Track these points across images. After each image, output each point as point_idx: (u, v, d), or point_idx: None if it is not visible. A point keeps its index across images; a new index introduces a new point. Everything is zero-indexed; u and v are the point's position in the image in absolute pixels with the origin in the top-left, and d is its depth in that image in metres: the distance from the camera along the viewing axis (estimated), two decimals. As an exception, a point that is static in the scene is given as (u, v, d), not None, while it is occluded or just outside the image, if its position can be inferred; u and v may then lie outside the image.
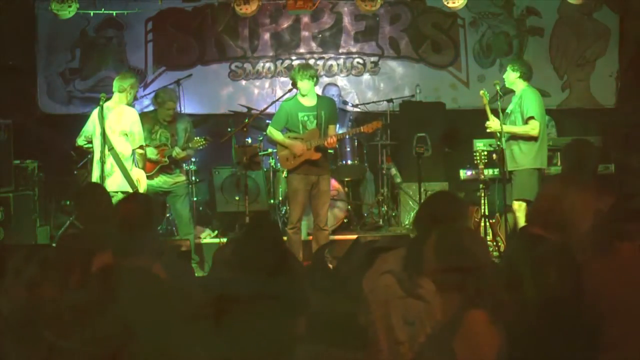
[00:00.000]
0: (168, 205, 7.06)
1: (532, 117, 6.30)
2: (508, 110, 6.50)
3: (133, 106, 6.44)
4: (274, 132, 6.52)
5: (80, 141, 6.18)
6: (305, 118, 6.44)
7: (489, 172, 6.90)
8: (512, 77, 6.49)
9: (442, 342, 2.59)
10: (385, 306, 3.01)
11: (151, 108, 6.99)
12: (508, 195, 6.47)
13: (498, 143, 6.39)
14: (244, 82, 8.89)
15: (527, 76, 6.50)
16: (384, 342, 2.98)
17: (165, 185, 6.64)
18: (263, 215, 7.13)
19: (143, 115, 6.78)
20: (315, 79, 6.44)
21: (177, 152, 6.57)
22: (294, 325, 3.02)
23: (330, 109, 6.52)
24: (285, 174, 6.79)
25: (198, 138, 6.70)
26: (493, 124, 6.35)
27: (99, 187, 4.99)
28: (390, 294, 3.01)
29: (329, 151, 6.71)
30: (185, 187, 6.85)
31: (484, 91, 6.43)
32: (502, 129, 6.28)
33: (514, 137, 6.38)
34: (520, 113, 6.36)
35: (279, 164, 7.51)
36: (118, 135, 6.00)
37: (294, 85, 6.43)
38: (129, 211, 3.28)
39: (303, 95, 6.43)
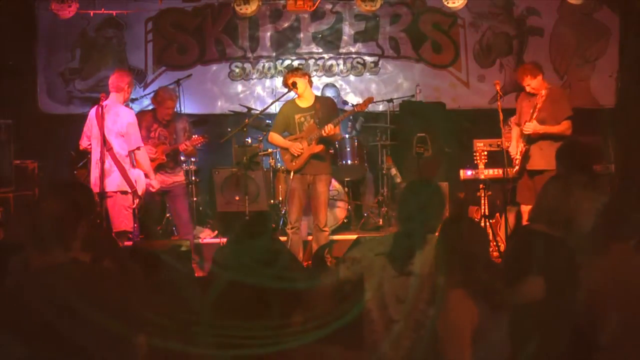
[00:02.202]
0: (168, 205, 7.07)
1: (569, 117, 6.27)
2: (537, 109, 6.41)
3: (130, 106, 6.45)
4: (274, 137, 6.52)
5: (84, 143, 6.18)
6: (302, 119, 6.44)
7: (489, 172, 6.90)
8: (538, 81, 6.37)
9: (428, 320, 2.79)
10: (379, 287, 3.10)
11: (151, 107, 6.98)
12: (518, 193, 6.46)
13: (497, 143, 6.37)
14: (244, 82, 8.89)
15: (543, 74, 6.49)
16: (379, 322, 3.08)
17: (163, 185, 6.62)
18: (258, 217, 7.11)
19: (142, 114, 6.78)
20: (307, 76, 6.44)
21: (185, 146, 6.55)
22: (288, 322, 3.01)
23: (329, 108, 6.49)
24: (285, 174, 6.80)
25: (196, 136, 6.69)
26: (533, 125, 6.26)
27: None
28: (385, 274, 3.11)
29: (330, 150, 6.70)
30: (183, 186, 6.83)
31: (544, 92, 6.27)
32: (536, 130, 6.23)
33: (543, 136, 6.32)
34: (551, 112, 6.31)
35: (279, 164, 7.53)
36: (115, 136, 6.00)
37: (289, 89, 6.44)
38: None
39: (300, 93, 6.41)
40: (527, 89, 6.40)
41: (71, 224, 2.70)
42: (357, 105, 6.57)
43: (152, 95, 6.92)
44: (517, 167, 6.43)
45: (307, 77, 6.44)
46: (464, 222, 3.06)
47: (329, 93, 8.35)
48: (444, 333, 2.78)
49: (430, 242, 3.11)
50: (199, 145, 6.72)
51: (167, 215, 7.36)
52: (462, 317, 2.72)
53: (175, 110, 6.78)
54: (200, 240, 7.34)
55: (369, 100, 6.51)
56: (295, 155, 6.36)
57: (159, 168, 6.57)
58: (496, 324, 2.79)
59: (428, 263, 3.06)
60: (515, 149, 6.45)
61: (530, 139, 6.30)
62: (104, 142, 5.86)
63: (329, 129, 6.22)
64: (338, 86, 8.73)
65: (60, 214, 2.67)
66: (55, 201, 2.72)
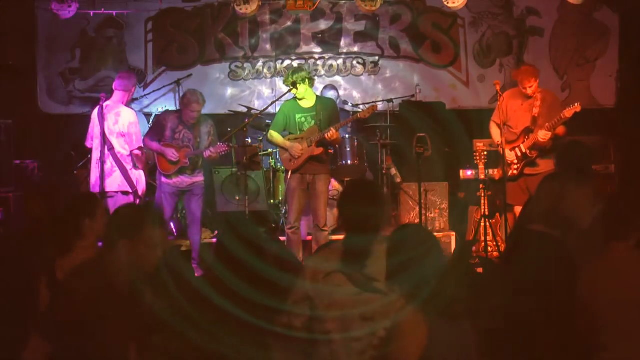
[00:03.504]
0: (184, 204, 7.06)
1: (565, 122, 6.29)
2: (535, 115, 6.41)
3: (130, 106, 6.45)
4: (274, 135, 6.52)
5: (89, 143, 6.20)
6: (303, 119, 6.44)
7: (489, 172, 6.90)
8: (537, 84, 6.41)
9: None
10: (339, 306, 2.92)
11: (152, 108, 7.02)
12: (510, 195, 6.47)
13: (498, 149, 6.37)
14: (244, 82, 8.89)
15: None
16: (339, 342, 2.90)
17: (182, 185, 6.64)
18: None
19: (168, 114, 6.80)
20: (308, 80, 6.40)
21: (210, 153, 6.53)
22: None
23: (330, 110, 6.49)
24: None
25: (220, 144, 6.65)
26: (550, 133, 6.24)
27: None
28: (344, 292, 2.91)
29: (329, 150, 6.70)
30: (202, 187, 6.84)
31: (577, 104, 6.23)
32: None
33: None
34: (547, 117, 6.29)
35: (279, 164, 7.52)
36: (117, 137, 6.01)
37: (296, 87, 6.41)
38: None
39: (300, 99, 6.43)
40: (529, 90, 6.39)
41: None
42: (361, 112, 6.55)
43: (180, 97, 6.92)
44: (514, 172, 6.42)
45: (307, 82, 6.40)
46: (411, 227, 2.97)
47: (329, 94, 8.34)
48: (394, 350, 2.67)
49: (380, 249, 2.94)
50: (223, 153, 6.68)
51: (172, 216, 7.35)
52: (411, 335, 2.64)
53: (201, 113, 6.75)
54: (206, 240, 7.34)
55: (373, 109, 6.52)
56: (295, 157, 6.36)
57: (180, 171, 6.56)
58: (457, 334, 2.72)
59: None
60: (509, 152, 6.43)
61: (540, 147, 6.30)
62: (105, 142, 5.88)
63: (331, 133, 6.22)
64: (338, 86, 8.72)
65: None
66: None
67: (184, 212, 7.15)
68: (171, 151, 6.44)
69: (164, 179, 6.57)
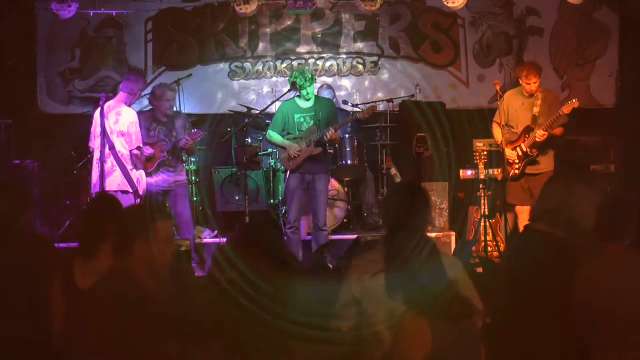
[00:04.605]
0: (168, 205, 7.06)
1: (564, 124, 6.29)
2: (536, 114, 6.42)
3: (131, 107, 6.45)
4: (273, 135, 6.53)
5: (92, 144, 6.18)
6: (302, 120, 6.45)
7: (489, 172, 6.90)
8: (539, 81, 6.41)
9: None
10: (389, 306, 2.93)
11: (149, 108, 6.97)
12: (512, 195, 6.47)
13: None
14: (243, 82, 8.89)
15: None
16: (387, 340, 2.91)
17: (165, 185, 6.61)
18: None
19: (140, 115, 6.77)
20: (314, 81, 6.46)
21: (186, 141, 6.49)
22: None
23: (329, 111, 6.50)
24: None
25: (195, 130, 6.64)
26: (547, 133, 6.27)
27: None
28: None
29: (329, 150, 6.71)
30: (186, 186, 6.82)
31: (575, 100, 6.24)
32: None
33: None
34: (548, 117, 6.30)
35: (279, 164, 7.53)
36: (117, 136, 6.01)
37: (295, 88, 6.41)
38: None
39: (307, 100, 6.44)
40: (531, 87, 6.39)
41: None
42: (360, 112, 6.57)
43: (149, 96, 6.90)
44: (516, 171, 6.42)
45: (314, 83, 6.46)
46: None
47: (325, 94, 8.34)
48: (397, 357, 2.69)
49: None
50: (199, 138, 6.65)
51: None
52: (415, 342, 2.66)
53: (175, 109, 6.77)
54: (200, 240, 7.34)
55: (372, 109, 6.54)
56: (293, 157, 6.37)
57: (160, 166, 6.55)
58: (459, 335, 2.72)
59: None
60: (511, 152, 6.44)
61: (540, 145, 6.31)
62: (105, 142, 5.88)
63: (330, 134, 6.24)
64: (338, 86, 8.72)
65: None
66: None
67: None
68: (145, 148, 6.40)
69: (146, 179, 6.53)
